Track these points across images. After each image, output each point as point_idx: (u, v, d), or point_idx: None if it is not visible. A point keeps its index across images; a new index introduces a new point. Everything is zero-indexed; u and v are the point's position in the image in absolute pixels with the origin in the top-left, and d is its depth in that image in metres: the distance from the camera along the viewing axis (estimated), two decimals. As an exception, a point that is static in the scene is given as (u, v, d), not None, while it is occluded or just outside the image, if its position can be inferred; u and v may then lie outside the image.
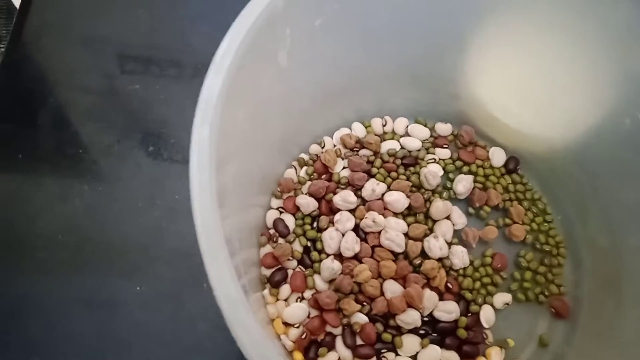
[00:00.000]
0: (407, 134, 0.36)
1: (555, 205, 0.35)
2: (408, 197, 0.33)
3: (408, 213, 0.33)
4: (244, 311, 0.18)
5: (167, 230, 0.35)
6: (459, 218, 0.33)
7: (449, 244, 0.32)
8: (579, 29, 0.28)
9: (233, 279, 0.18)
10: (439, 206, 0.33)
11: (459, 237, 0.33)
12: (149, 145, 0.38)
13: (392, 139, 0.36)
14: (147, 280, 0.33)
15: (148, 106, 0.39)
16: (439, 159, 0.35)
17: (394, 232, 0.31)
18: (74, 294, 0.33)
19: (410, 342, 0.30)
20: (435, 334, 0.30)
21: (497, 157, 0.36)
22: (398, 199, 0.32)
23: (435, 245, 0.31)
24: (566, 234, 0.34)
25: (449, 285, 0.31)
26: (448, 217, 0.33)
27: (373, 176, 0.34)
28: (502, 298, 0.32)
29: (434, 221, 0.33)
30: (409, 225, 0.32)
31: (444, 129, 0.36)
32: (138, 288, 0.33)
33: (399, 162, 0.35)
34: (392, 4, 0.29)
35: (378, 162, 0.35)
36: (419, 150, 0.36)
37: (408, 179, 0.34)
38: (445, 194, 0.34)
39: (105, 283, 0.33)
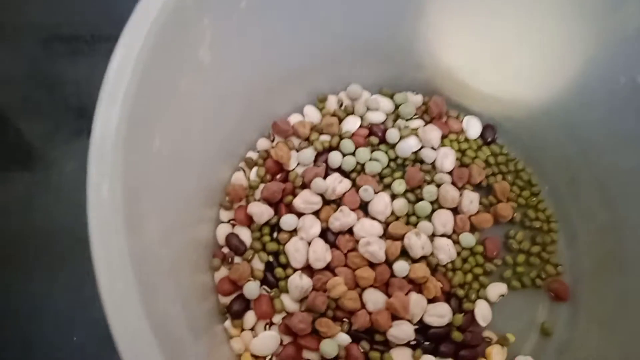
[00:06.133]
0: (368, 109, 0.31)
1: (541, 175, 0.31)
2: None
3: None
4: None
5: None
6: (470, 204, 0.29)
7: (432, 237, 0.28)
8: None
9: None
10: (448, 191, 0.29)
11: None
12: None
13: (352, 113, 0.31)
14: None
15: (81, 87, 0.36)
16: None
17: (377, 245, 0.27)
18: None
19: (401, 356, 0.26)
20: (427, 342, 0.27)
21: (473, 127, 0.31)
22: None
23: (417, 244, 0.27)
24: (556, 207, 0.30)
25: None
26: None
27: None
28: (496, 289, 0.28)
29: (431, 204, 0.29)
30: (387, 224, 0.28)
31: (414, 100, 0.32)
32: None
33: (365, 132, 0.31)
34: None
35: (335, 141, 0.30)
36: (383, 122, 0.31)
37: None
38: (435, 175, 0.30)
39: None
